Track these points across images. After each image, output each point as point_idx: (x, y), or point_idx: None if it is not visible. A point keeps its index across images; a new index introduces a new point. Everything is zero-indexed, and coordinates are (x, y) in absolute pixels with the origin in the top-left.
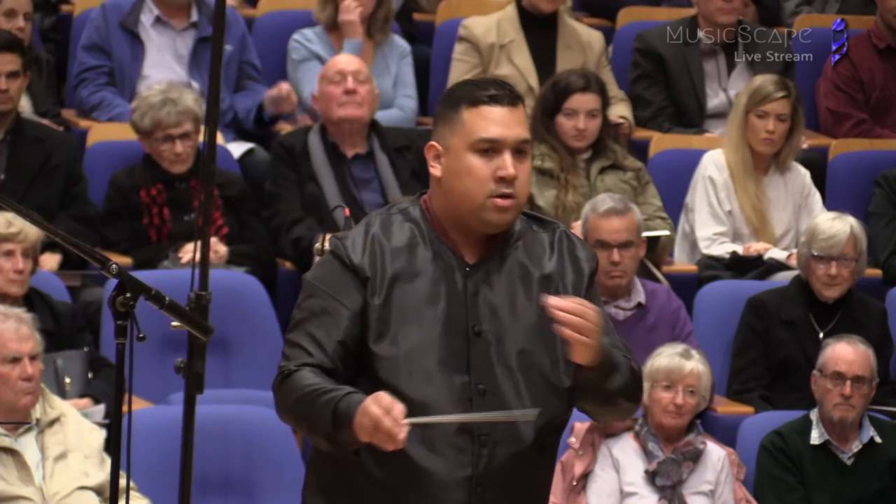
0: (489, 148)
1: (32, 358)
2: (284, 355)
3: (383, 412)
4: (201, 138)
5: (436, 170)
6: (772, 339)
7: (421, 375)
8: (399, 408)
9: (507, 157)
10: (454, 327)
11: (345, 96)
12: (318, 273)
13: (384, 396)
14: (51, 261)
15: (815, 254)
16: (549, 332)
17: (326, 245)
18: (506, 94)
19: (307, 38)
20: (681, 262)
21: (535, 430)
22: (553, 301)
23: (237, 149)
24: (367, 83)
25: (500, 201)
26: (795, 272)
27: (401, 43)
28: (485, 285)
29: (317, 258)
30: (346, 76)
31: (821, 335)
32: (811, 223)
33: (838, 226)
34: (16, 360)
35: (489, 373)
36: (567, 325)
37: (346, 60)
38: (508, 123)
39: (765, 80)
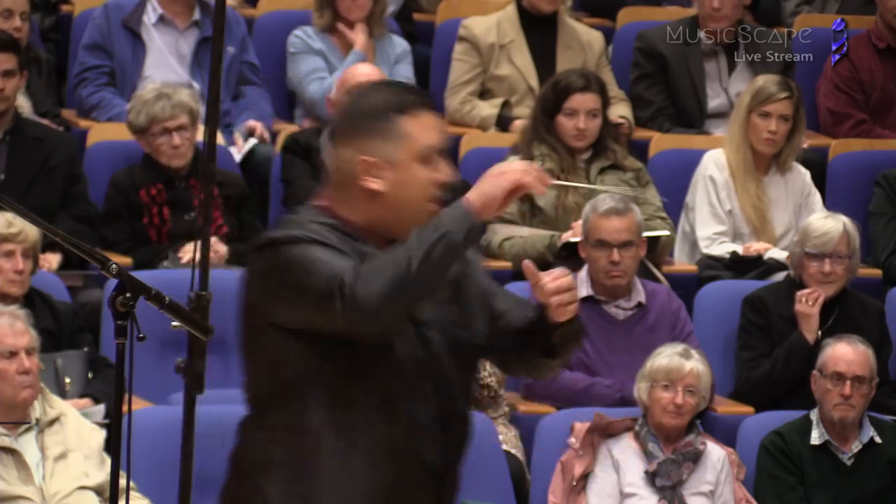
0: (433, 155)
1: (29, 353)
2: (335, 280)
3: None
4: (199, 136)
5: (375, 184)
6: (774, 334)
7: (400, 374)
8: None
9: (443, 163)
10: (407, 325)
11: None
12: (296, 253)
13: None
14: (51, 261)
15: (809, 251)
16: (467, 315)
17: None
18: (428, 97)
19: (307, 35)
20: (681, 262)
21: (469, 413)
22: (537, 277)
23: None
24: None
25: (434, 206)
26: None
27: (400, 43)
28: None
29: None
30: None
31: (818, 334)
32: (804, 223)
33: (831, 223)
34: (12, 354)
35: (439, 361)
36: (556, 294)
37: (367, 73)
38: (440, 128)
39: (767, 81)
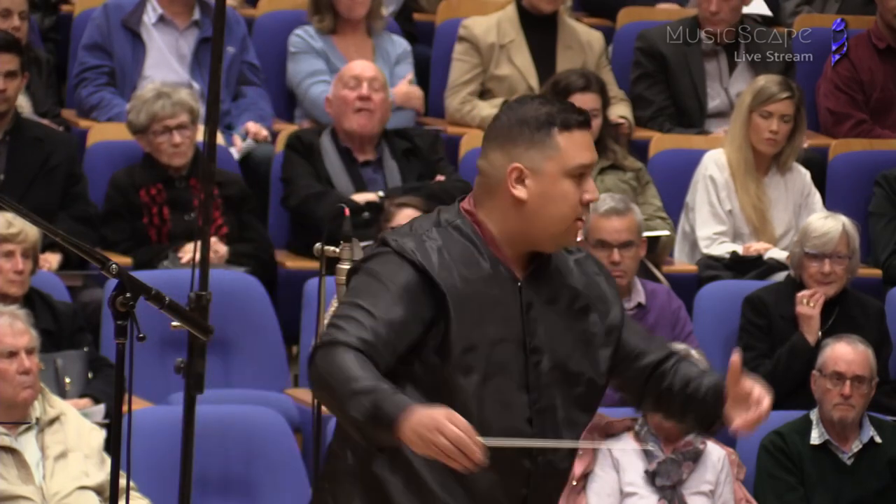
0: (582, 173)
1: (29, 352)
2: (334, 324)
3: (462, 431)
4: (198, 136)
5: (520, 192)
6: (775, 335)
7: (496, 399)
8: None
9: (591, 182)
10: (513, 345)
11: (358, 102)
12: (383, 268)
13: (453, 414)
14: (51, 261)
15: (809, 251)
16: (588, 350)
17: (330, 248)
18: (588, 117)
19: (309, 35)
20: (681, 262)
21: (572, 448)
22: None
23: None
24: (381, 91)
25: (580, 224)
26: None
27: (400, 43)
28: (536, 301)
29: (348, 259)
30: (361, 82)
31: (819, 334)
32: (804, 223)
33: (831, 223)
34: (12, 354)
35: (546, 391)
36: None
37: (363, 66)
38: (593, 148)
39: (769, 81)
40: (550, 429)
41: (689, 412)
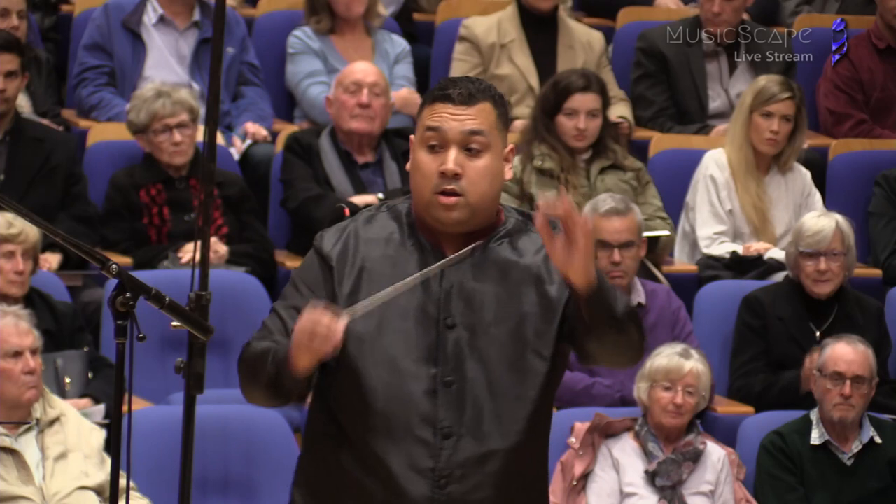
0: (435, 143)
1: (33, 352)
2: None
3: (316, 317)
4: (199, 136)
5: (408, 164)
6: (770, 336)
7: (387, 365)
8: (329, 313)
9: (451, 153)
10: (425, 319)
11: (358, 108)
12: (299, 267)
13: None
14: (51, 261)
15: (803, 250)
16: (527, 326)
17: None
18: (460, 93)
19: (307, 35)
20: (681, 262)
21: (505, 423)
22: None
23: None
24: (382, 96)
25: (442, 198)
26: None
27: (400, 42)
28: (461, 279)
29: None
30: (361, 88)
31: (817, 334)
32: (798, 222)
33: (824, 221)
34: (17, 354)
35: (459, 366)
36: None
37: (364, 70)
38: (456, 118)
39: (770, 81)
40: (462, 403)
41: (583, 322)
